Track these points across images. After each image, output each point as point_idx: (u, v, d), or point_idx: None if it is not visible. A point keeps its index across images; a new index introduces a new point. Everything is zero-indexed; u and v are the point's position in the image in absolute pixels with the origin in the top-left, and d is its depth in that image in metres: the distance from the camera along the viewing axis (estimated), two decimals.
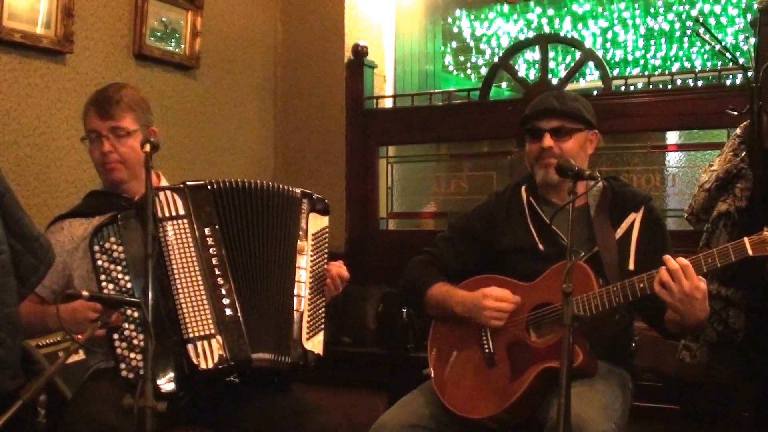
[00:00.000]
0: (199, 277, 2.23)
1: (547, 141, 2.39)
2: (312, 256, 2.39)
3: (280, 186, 2.41)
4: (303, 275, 2.36)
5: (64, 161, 3.26)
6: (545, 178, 2.43)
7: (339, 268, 2.44)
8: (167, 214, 2.25)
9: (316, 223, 2.44)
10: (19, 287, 2.13)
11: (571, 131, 2.40)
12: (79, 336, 2.07)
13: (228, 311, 2.23)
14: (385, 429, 2.30)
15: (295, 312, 2.31)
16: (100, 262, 2.22)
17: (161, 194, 2.27)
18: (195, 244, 2.25)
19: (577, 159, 2.30)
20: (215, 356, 2.16)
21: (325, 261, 2.43)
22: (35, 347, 2.59)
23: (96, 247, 2.22)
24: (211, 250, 2.27)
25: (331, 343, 3.85)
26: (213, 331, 2.19)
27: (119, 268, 2.22)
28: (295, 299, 2.33)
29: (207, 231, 2.28)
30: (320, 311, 2.37)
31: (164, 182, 2.56)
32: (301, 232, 2.39)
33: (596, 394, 2.20)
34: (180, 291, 2.19)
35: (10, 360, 2.08)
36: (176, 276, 2.21)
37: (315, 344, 2.32)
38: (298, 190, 2.43)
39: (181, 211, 2.27)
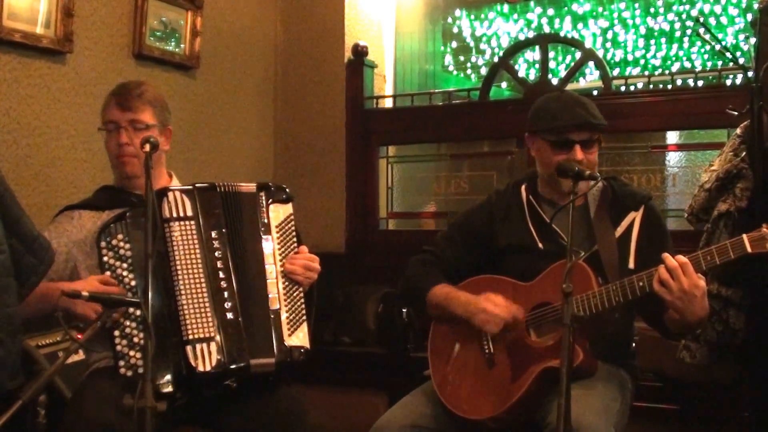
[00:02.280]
0: (203, 279, 2.24)
1: (579, 154, 2.34)
2: (280, 248, 2.37)
3: (237, 184, 2.39)
4: (273, 271, 2.34)
5: (64, 161, 3.26)
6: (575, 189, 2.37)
7: (303, 260, 2.39)
8: (175, 215, 2.26)
9: (279, 213, 2.40)
10: (18, 287, 2.13)
11: (596, 142, 2.39)
12: (79, 336, 2.08)
13: (230, 315, 2.24)
14: (386, 429, 2.30)
15: (272, 311, 2.30)
16: (106, 258, 2.22)
17: (170, 194, 2.27)
18: (201, 245, 2.26)
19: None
20: (213, 359, 2.17)
21: (296, 251, 2.40)
22: (35, 347, 2.59)
23: (103, 243, 2.23)
24: (216, 253, 2.28)
25: (331, 343, 3.90)
26: (213, 334, 2.19)
27: (125, 265, 2.22)
28: (270, 297, 2.32)
29: (214, 234, 2.29)
30: (298, 304, 2.35)
31: (176, 182, 2.56)
32: (263, 228, 2.37)
33: (596, 397, 2.19)
34: (183, 292, 2.20)
35: (9, 360, 2.08)
36: (180, 277, 2.22)
37: (300, 339, 2.31)
38: (252, 185, 2.41)
39: (189, 213, 2.28)
